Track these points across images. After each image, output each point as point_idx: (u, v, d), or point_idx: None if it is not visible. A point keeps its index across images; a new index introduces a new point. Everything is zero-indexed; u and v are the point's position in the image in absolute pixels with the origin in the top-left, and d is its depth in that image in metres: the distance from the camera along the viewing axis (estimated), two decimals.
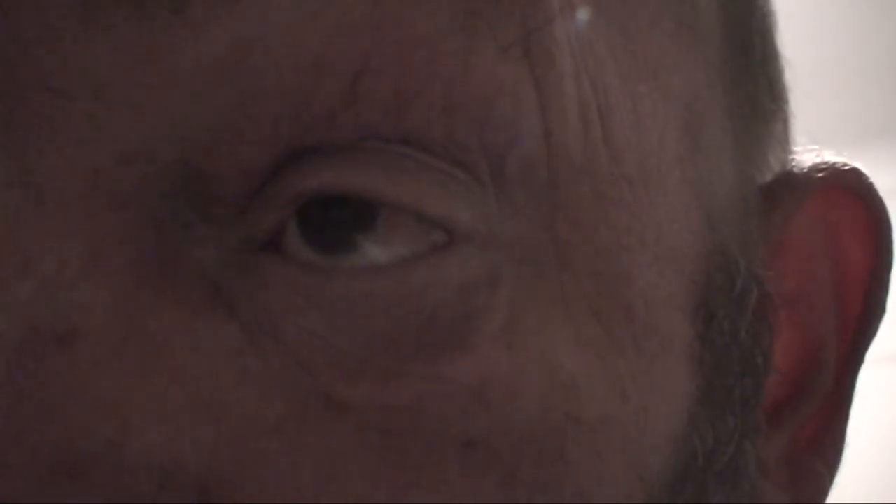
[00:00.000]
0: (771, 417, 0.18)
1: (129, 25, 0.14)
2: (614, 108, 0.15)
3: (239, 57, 0.14)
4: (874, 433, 1.80)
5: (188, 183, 0.14)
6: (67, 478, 0.13)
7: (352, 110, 0.14)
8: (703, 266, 0.17)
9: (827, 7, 1.76)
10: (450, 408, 0.14)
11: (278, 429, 0.14)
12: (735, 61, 0.19)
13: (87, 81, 0.14)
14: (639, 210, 0.16)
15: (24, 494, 0.12)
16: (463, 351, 0.14)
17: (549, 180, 0.15)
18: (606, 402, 0.15)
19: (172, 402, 0.13)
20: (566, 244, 0.15)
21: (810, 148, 0.20)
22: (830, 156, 0.20)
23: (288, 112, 0.14)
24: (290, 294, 0.14)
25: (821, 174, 0.19)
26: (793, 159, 0.20)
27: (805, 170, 0.20)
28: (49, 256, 0.13)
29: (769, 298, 0.18)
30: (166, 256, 0.14)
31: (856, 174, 0.20)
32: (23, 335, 0.13)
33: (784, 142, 0.20)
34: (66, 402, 0.13)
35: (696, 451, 0.16)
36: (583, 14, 0.15)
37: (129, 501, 0.13)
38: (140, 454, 0.13)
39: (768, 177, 0.19)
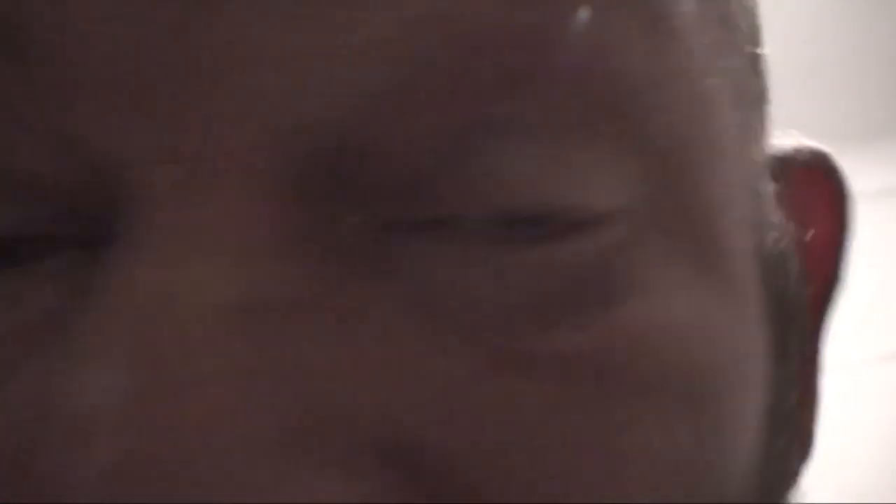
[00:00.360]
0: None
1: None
2: (706, 74, 0.17)
3: (408, 34, 0.14)
4: (875, 432, 1.80)
5: (345, 159, 0.14)
6: (305, 448, 0.13)
7: (526, 88, 0.14)
8: (758, 228, 0.19)
9: (827, 7, 1.76)
10: (628, 353, 0.15)
11: (482, 383, 0.14)
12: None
13: (244, 57, 0.13)
14: (722, 176, 0.17)
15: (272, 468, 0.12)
16: (625, 301, 0.15)
17: (666, 151, 0.16)
18: (731, 345, 0.17)
19: (375, 370, 0.14)
20: (674, 208, 0.16)
21: (786, 133, 0.22)
22: (806, 140, 0.22)
23: (466, 88, 0.14)
24: (459, 263, 0.14)
25: (800, 156, 0.22)
26: (773, 142, 0.22)
27: (787, 151, 0.21)
28: (227, 234, 0.13)
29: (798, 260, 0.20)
30: (328, 230, 0.14)
31: (826, 157, 0.22)
32: (234, 310, 0.13)
33: (767, 124, 0.21)
34: (296, 373, 0.13)
35: (769, 392, 0.18)
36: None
37: (358, 468, 0.13)
38: (364, 421, 0.13)
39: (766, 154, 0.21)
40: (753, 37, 0.20)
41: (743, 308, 0.17)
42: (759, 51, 0.21)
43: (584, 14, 0.15)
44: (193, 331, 0.12)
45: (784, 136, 0.22)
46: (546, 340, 0.15)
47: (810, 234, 0.21)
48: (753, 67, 0.20)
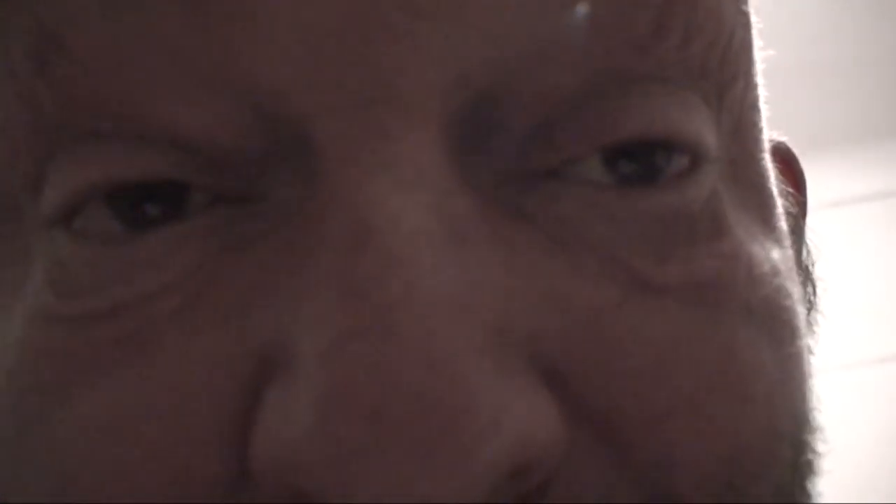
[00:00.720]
0: None
1: None
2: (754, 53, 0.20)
3: None
4: (875, 432, 1.80)
5: (495, 109, 0.15)
6: (501, 362, 0.14)
7: (657, 43, 0.16)
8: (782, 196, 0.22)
9: (828, 8, 1.76)
10: (734, 277, 0.17)
11: (620, 310, 0.16)
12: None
13: (417, 13, 0.15)
14: (764, 144, 0.20)
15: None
16: (727, 233, 0.18)
17: (738, 111, 0.19)
18: (793, 289, 0.19)
19: (539, 297, 0.15)
20: (739, 162, 0.19)
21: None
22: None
23: (601, 42, 0.16)
24: (588, 208, 0.16)
25: (775, 144, 0.25)
26: None
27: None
28: (417, 173, 0.15)
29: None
30: (484, 174, 0.16)
31: (786, 146, 0.26)
32: (439, 238, 0.14)
33: None
34: (493, 297, 0.14)
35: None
36: None
37: (533, 384, 0.15)
38: (534, 343, 0.15)
39: None
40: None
41: (790, 261, 0.20)
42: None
43: None
44: (410, 255, 0.14)
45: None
46: (666, 272, 0.16)
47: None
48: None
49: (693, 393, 0.16)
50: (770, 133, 0.22)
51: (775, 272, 0.18)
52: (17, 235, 0.17)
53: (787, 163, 0.26)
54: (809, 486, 0.19)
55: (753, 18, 0.20)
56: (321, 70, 0.14)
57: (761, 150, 0.20)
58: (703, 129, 0.17)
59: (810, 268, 0.25)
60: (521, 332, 0.15)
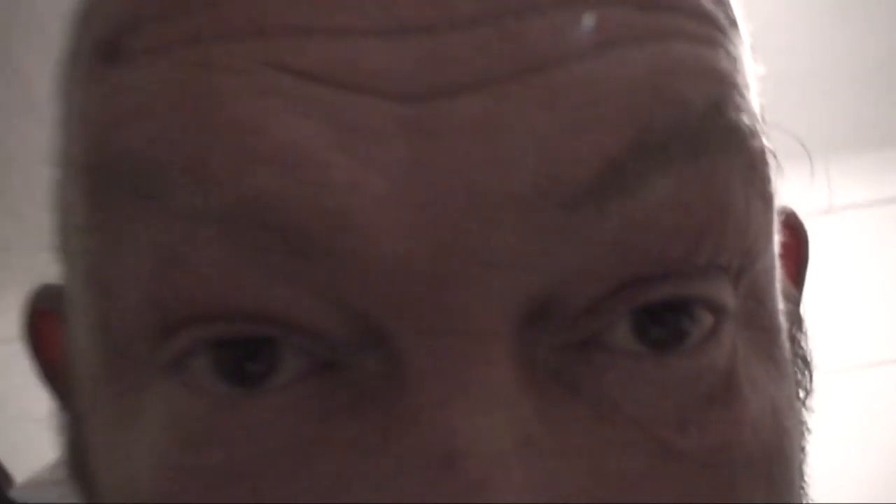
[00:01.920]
0: None
1: None
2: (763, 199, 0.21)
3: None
4: (872, 434, 1.80)
5: (546, 315, 0.18)
6: None
7: (683, 264, 0.19)
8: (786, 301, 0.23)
9: (822, 16, 1.75)
10: (741, 439, 0.19)
11: (646, 478, 0.18)
12: None
13: (482, 269, 0.18)
14: (772, 272, 0.22)
15: None
16: (737, 397, 0.19)
17: (753, 276, 0.21)
18: (789, 422, 0.21)
19: (578, 479, 0.18)
20: (753, 312, 0.21)
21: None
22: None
23: (633, 267, 0.18)
24: (628, 378, 0.19)
25: (783, 211, 0.27)
26: None
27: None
28: (491, 391, 0.17)
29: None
30: (540, 368, 0.18)
31: (793, 214, 0.28)
32: (510, 452, 0.17)
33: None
34: (553, 486, 0.17)
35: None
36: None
37: None
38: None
39: None
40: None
41: (790, 387, 0.22)
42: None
43: (725, 184, 0.19)
44: (490, 477, 0.16)
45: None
46: (685, 439, 0.19)
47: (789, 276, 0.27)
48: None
49: None
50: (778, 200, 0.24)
51: (775, 412, 0.20)
52: (130, 372, 0.20)
53: (793, 230, 0.27)
54: None
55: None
56: (408, 302, 0.17)
57: (773, 298, 0.22)
58: (724, 294, 0.20)
59: (807, 356, 0.26)
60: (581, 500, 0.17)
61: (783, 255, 0.25)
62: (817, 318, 0.28)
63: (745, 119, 0.19)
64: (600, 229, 0.18)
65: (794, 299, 0.25)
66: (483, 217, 0.17)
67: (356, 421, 0.18)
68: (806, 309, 0.27)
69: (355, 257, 0.17)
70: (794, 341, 0.24)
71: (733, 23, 0.20)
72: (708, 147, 0.18)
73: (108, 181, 0.19)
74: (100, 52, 0.19)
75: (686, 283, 0.19)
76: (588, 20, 0.18)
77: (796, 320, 0.24)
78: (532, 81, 0.17)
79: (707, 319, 0.19)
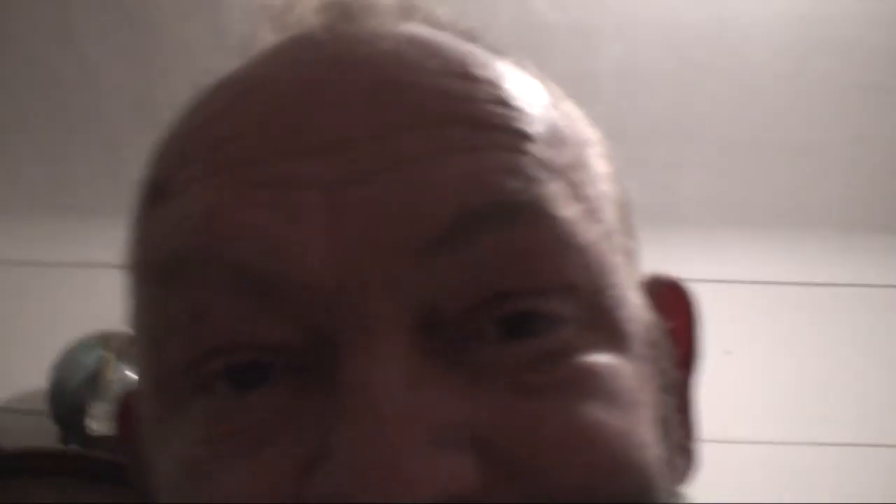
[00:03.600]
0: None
1: None
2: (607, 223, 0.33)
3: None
4: None
5: (438, 313, 0.28)
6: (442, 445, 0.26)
7: (528, 279, 0.29)
8: (644, 321, 0.33)
9: (813, 91, 1.78)
10: (583, 375, 0.29)
11: (519, 404, 0.28)
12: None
13: (396, 278, 0.28)
14: (619, 289, 0.32)
15: None
16: (575, 356, 0.29)
17: (598, 295, 0.31)
18: (634, 379, 0.31)
19: (462, 409, 0.27)
20: (596, 315, 0.30)
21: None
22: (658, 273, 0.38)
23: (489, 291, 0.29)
24: (495, 355, 0.28)
25: (663, 278, 0.38)
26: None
27: (655, 277, 0.37)
28: (398, 360, 0.28)
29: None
30: (433, 343, 0.28)
31: (674, 280, 0.38)
32: (419, 421, 0.27)
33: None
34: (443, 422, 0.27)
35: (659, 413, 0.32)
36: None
37: (462, 453, 0.27)
38: (457, 431, 0.27)
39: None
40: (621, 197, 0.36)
41: (639, 363, 0.31)
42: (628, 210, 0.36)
43: (546, 191, 0.30)
44: (382, 395, 0.26)
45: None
46: (543, 379, 0.28)
47: (676, 324, 0.37)
48: (628, 225, 0.35)
49: (564, 443, 0.27)
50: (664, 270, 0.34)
51: (610, 368, 0.29)
52: (174, 396, 0.30)
53: (674, 291, 0.38)
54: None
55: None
56: (339, 314, 0.27)
57: (620, 312, 0.31)
58: (561, 308, 0.29)
59: (689, 407, 0.38)
60: (456, 428, 0.26)
61: (667, 309, 0.35)
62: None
63: (561, 201, 0.30)
64: (454, 266, 0.28)
65: (661, 329, 0.35)
66: (378, 258, 0.27)
67: (316, 391, 0.28)
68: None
69: (300, 289, 0.27)
70: (657, 353, 0.33)
71: (554, 133, 0.31)
72: (520, 218, 0.28)
73: (157, 273, 0.31)
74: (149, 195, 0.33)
75: (530, 300, 0.28)
76: (439, 136, 0.29)
77: (663, 347, 0.34)
78: (399, 176, 0.28)
79: (553, 318, 0.29)
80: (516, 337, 0.28)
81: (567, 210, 0.30)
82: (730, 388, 1.89)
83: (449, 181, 0.28)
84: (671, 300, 0.37)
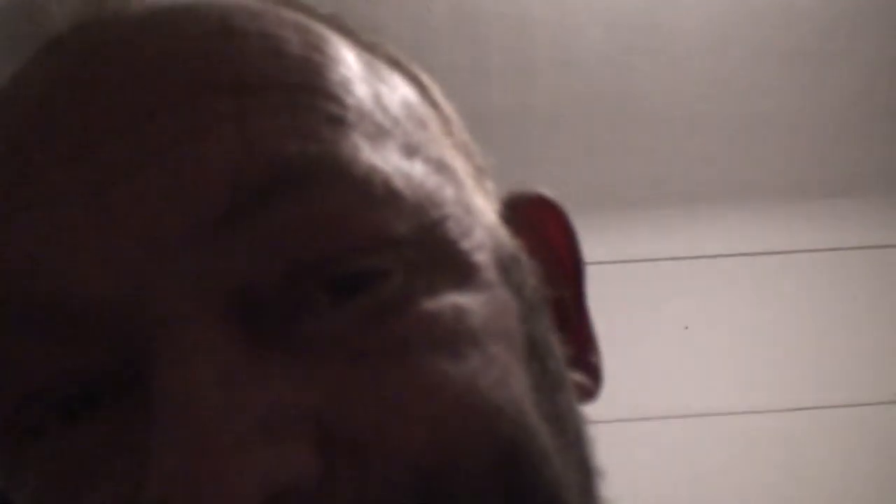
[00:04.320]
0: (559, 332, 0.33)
1: None
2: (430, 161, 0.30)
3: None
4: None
5: (248, 293, 0.26)
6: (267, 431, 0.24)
7: (341, 240, 0.26)
8: (496, 244, 0.31)
9: (782, 63, 1.80)
10: (419, 330, 0.26)
11: (342, 378, 0.25)
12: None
13: (191, 281, 0.26)
14: (461, 219, 0.29)
15: None
16: (411, 306, 0.27)
17: (434, 237, 0.28)
18: (486, 314, 0.28)
19: (285, 396, 0.24)
20: (432, 251, 0.28)
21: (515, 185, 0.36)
22: (526, 188, 0.36)
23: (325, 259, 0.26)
24: (327, 322, 0.26)
25: (529, 194, 0.36)
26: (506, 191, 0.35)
27: (519, 193, 0.36)
28: (208, 354, 0.25)
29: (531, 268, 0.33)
30: (249, 330, 0.25)
31: (539, 194, 0.36)
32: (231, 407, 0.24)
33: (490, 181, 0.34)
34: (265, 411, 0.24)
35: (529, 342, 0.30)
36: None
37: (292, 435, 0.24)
38: (296, 415, 0.24)
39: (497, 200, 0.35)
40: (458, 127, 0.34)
41: (490, 292, 0.29)
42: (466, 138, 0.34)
43: (319, 138, 0.26)
44: (192, 395, 0.24)
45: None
46: (377, 340, 0.26)
47: (553, 240, 0.36)
48: (469, 148, 0.33)
49: (406, 406, 0.25)
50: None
51: (456, 309, 0.27)
52: (10, 447, 0.28)
53: (544, 206, 0.36)
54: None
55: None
56: (139, 317, 0.25)
57: (462, 244, 0.29)
58: (383, 260, 0.27)
59: (588, 325, 0.36)
60: (287, 413, 0.24)
61: (536, 225, 0.35)
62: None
63: (358, 153, 0.27)
64: (250, 242, 0.25)
65: (521, 248, 0.32)
66: (158, 255, 0.25)
67: (142, 408, 0.25)
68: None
69: (86, 306, 0.25)
70: (517, 276, 0.31)
71: (346, 75, 0.28)
72: (308, 181, 0.26)
73: None
74: None
75: (347, 260, 0.26)
76: (203, 108, 0.26)
77: (517, 260, 0.32)
78: (163, 163, 0.25)
79: (377, 272, 0.26)
80: (348, 301, 0.26)
81: (372, 157, 0.27)
82: (690, 362, 1.91)
83: (214, 159, 0.25)
84: (540, 214, 0.36)
